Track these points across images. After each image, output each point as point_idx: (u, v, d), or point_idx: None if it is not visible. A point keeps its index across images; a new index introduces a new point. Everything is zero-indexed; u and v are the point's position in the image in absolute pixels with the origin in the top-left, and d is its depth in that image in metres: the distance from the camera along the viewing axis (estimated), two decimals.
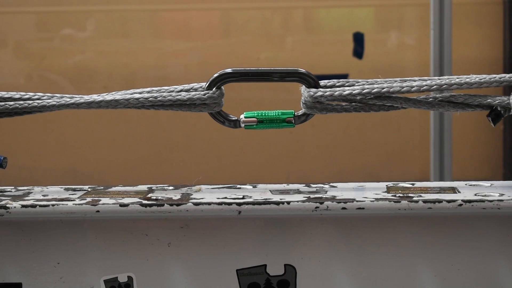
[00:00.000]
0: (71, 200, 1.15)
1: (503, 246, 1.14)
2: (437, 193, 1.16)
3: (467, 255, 1.14)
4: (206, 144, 3.39)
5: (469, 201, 1.11)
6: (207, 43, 3.39)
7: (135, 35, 3.40)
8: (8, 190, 1.24)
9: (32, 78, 3.38)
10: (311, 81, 1.20)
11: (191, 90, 1.20)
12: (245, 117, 1.21)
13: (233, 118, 1.22)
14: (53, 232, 1.16)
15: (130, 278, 1.16)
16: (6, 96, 1.22)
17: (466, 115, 3.33)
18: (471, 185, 1.22)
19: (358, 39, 3.34)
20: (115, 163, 3.41)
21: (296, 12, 3.44)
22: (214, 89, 1.20)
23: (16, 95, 1.22)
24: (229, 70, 1.21)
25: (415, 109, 1.21)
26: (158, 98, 1.19)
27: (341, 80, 1.20)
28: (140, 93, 1.21)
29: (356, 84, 1.19)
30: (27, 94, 1.22)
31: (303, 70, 1.20)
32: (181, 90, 1.20)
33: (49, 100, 1.21)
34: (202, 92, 1.19)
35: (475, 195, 1.14)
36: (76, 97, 1.21)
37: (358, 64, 3.34)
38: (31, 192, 1.22)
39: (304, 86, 1.20)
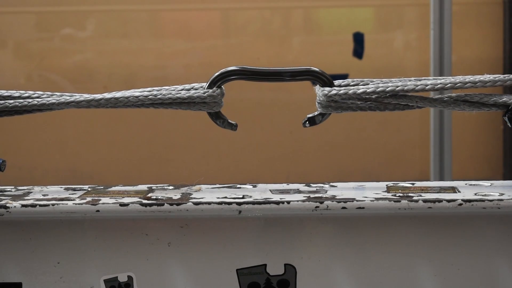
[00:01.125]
0: (71, 200, 1.15)
1: (503, 246, 1.14)
2: (437, 192, 1.16)
3: (467, 254, 1.14)
4: (206, 144, 3.39)
5: (469, 201, 1.11)
6: (207, 43, 3.39)
7: (135, 35, 3.40)
8: (8, 189, 1.24)
9: (32, 78, 3.38)
10: (325, 79, 1.19)
11: (191, 89, 1.20)
12: None
13: (233, 123, 1.23)
14: (53, 232, 1.16)
15: (130, 277, 1.16)
16: (6, 94, 1.22)
17: (466, 114, 3.32)
18: (471, 184, 1.22)
19: (358, 39, 3.34)
20: (115, 163, 3.41)
21: (296, 12, 3.44)
22: (214, 88, 1.19)
23: (16, 93, 1.22)
24: (232, 68, 1.20)
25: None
26: (158, 96, 1.19)
27: (355, 79, 1.20)
28: (140, 92, 1.21)
29: (371, 83, 1.19)
30: (26, 93, 1.22)
31: (316, 69, 1.20)
32: (182, 90, 1.20)
33: (48, 99, 1.21)
34: (202, 91, 1.19)
35: (475, 194, 1.14)
36: (76, 95, 1.21)
37: (358, 64, 3.34)
38: (31, 192, 1.22)
39: (318, 85, 1.20)
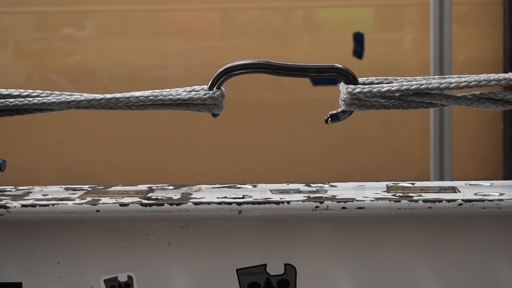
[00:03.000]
0: (71, 200, 1.15)
1: (503, 245, 1.14)
2: (437, 192, 1.16)
3: (467, 254, 1.14)
4: (206, 144, 3.38)
5: (469, 201, 1.11)
6: (207, 43, 3.39)
7: (135, 35, 3.40)
8: (8, 189, 1.24)
9: (32, 78, 3.38)
10: (350, 77, 1.19)
11: (192, 91, 1.20)
12: None
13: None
14: (53, 232, 1.16)
15: (130, 277, 1.16)
16: (5, 93, 1.22)
17: (466, 114, 3.32)
18: (471, 184, 1.22)
19: (358, 39, 3.34)
20: (115, 163, 3.41)
21: (296, 12, 3.44)
22: (214, 89, 1.19)
23: (15, 92, 1.22)
24: (229, 65, 1.20)
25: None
26: (159, 97, 1.19)
27: (379, 77, 1.21)
28: (141, 93, 1.21)
29: (395, 81, 1.19)
30: (26, 91, 1.22)
31: (341, 66, 1.20)
32: (183, 91, 1.20)
33: (48, 98, 1.21)
34: (203, 92, 1.19)
35: (475, 194, 1.14)
36: (76, 95, 1.21)
37: (358, 64, 3.34)
38: (31, 192, 1.22)
39: (342, 83, 1.20)
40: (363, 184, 1.24)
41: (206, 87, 1.20)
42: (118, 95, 1.20)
